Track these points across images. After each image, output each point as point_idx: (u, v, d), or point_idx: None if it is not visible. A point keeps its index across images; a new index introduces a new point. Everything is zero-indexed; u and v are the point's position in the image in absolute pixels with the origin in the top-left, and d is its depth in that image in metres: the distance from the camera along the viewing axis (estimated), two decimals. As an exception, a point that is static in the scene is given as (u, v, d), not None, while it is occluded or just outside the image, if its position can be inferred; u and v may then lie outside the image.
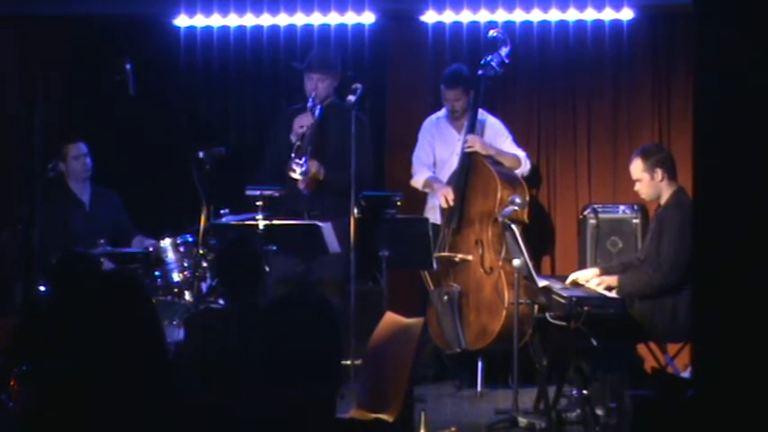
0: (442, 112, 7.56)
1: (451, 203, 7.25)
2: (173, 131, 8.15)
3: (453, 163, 7.41)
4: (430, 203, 7.54)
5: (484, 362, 7.08)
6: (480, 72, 7.26)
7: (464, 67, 7.40)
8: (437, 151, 7.53)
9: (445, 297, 7.20)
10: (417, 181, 7.53)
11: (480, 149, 7.26)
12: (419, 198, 7.60)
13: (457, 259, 7.26)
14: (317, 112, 7.08)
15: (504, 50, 7.24)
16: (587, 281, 6.37)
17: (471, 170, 7.30)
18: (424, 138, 7.57)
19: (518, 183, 7.30)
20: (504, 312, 7.00)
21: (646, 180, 6.32)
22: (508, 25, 7.62)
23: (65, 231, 7.45)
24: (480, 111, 7.38)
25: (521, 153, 7.46)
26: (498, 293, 7.09)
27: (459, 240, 7.31)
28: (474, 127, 7.32)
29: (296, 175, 6.99)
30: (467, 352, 7.12)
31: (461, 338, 7.13)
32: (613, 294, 6.16)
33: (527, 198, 7.20)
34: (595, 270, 6.49)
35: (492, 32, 7.31)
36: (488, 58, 7.24)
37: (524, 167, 7.43)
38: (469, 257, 7.24)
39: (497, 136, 7.44)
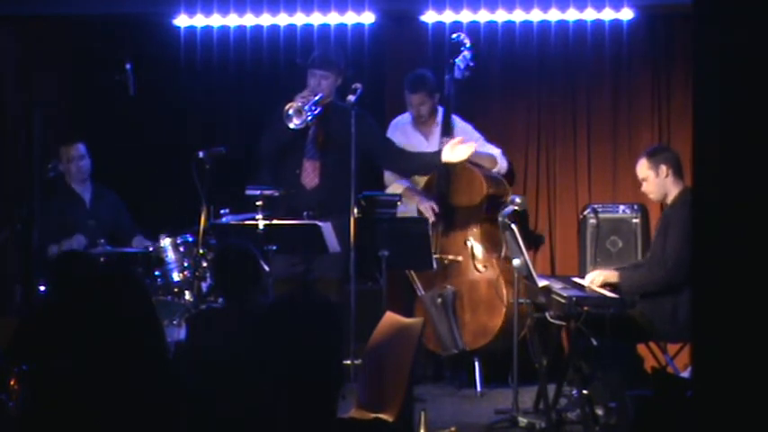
0: (407, 117, 7.54)
1: (435, 213, 7.23)
2: (173, 131, 8.15)
3: None
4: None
5: (481, 361, 7.08)
6: (447, 77, 7.26)
7: (428, 72, 7.41)
8: None
9: (438, 300, 7.18)
10: (395, 190, 7.46)
11: None
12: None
13: (447, 261, 7.25)
14: (317, 111, 7.05)
15: (467, 53, 7.23)
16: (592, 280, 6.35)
17: (452, 172, 7.29)
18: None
19: (500, 181, 7.32)
20: (504, 309, 7.01)
21: (651, 178, 6.29)
22: (508, 25, 7.63)
23: (65, 229, 7.46)
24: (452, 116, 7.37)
25: (495, 151, 7.45)
26: (495, 291, 7.10)
27: (446, 242, 7.30)
28: (448, 130, 7.29)
29: (294, 111, 6.90)
30: (464, 352, 7.12)
31: (458, 339, 7.12)
32: (613, 294, 6.15)
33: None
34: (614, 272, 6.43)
35: (455, 35, 7.31)
36: (454, 61, 7.23)
37: (501, 165, 7.43)
38: (459, 258, 7.24)
39: (467, 139, 7.40)
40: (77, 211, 7.60)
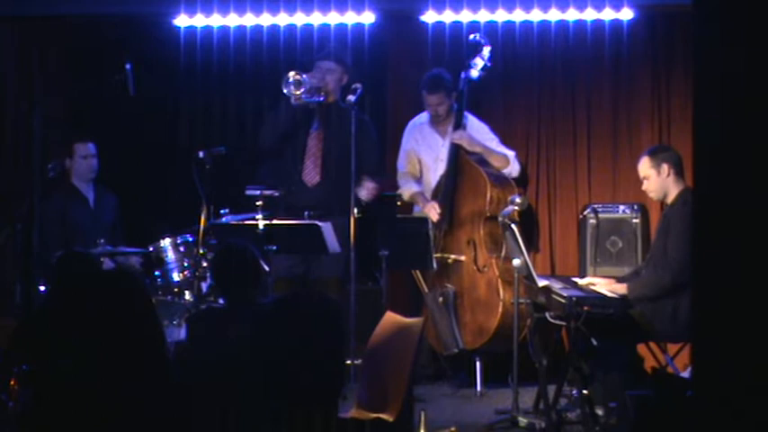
0: (424, 116, 7.55)
1: (438, 217, 7.24)
2: (173, 131, 8.15)
3: (438, 168, 7.41)
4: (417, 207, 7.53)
5: (482, 361, 7.09)
6: (464, 75, 7.27)
7: (444, 71, 7.42)
8: (421, 156, 7.52)
9: (440, 299, 7.20)
10: (404, 192, 7.49)
11: (467, 145, 7.25)
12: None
13: (450, 260, 7.26)
14: (320, 97, 7.05)
15: (485, 53, 7.26)
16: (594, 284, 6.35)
17: (459, 172, 7.30)
18: (407, 143, 7.55)
19: (507, 182, 7.31)
20: (501, 309, 7.01)
21: (653, 177, 6.30)
22: (508, 25, 7.63)
23: (67, 228, 7.46)
24: (465, 113, 7.39)
25: (509, 153, 7.46)
26: (493, 291, 7.10)
27: (450, 241, 7.30)
28: (460, 123, 7.32)
29: (295, 81, 6.93)
30: (464, 352, 7.13)
31: (458, 339, 7.13)
32: (613, 294, 6.15)
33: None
34: (611, 280, 6.43)
35: (472, 36, 7.34)
36: (471, 62, 7.26)
37: (513, 167, 7.43)
38: (462, 258, 7.25)
39: (482, 137, 7.42)
40: (80, 210, 7.60)
